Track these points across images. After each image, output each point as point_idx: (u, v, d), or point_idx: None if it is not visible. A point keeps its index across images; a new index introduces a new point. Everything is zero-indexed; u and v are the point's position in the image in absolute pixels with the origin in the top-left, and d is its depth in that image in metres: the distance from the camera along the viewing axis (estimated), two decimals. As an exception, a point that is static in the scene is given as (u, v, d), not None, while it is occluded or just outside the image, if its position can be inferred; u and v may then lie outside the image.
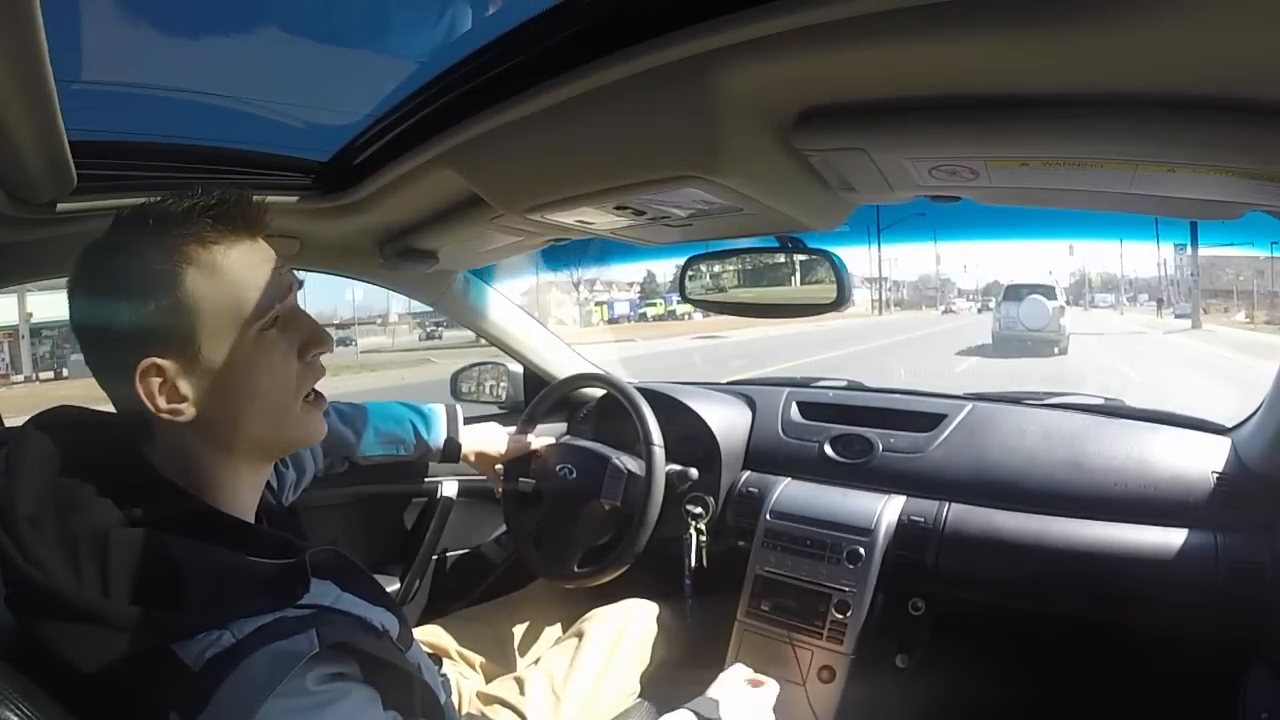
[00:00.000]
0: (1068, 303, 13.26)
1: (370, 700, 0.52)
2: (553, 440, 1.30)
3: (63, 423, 0.57)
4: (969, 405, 1.22)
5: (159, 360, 0.51)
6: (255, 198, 0.55)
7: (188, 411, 0.53)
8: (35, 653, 0.48)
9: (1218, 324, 17.47)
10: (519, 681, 1.04)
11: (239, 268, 0.54)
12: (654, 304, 30.00)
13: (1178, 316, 18.74)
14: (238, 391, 0.54)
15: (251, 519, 0.60)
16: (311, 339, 0.58)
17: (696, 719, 0.84)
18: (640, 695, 1.11)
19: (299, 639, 0.48)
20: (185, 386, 0.52)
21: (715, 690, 0.90)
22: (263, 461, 0.61)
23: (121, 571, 0.49)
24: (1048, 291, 11.53)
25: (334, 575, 0.58)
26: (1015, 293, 11.69)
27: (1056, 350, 10.81)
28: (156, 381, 0.52)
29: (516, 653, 1.21)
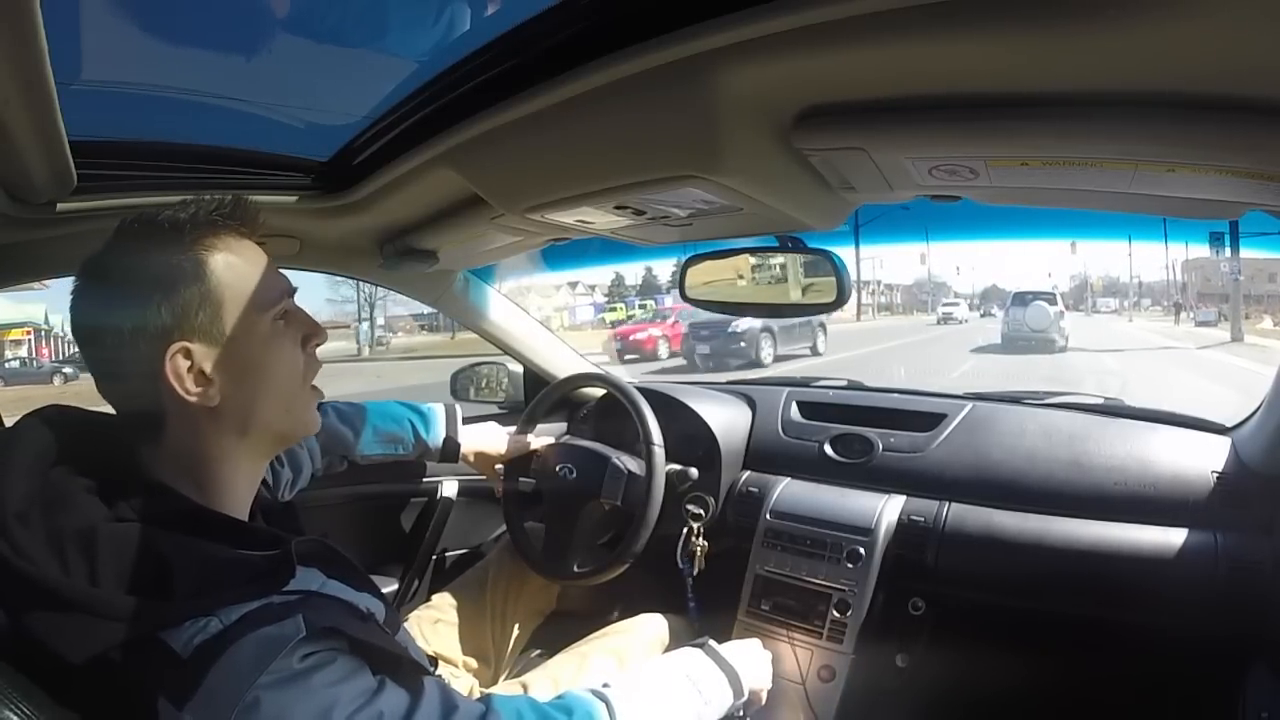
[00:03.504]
0: (1067, 307, 14.72)
1: (357, 667, 0.53)
2: (553, 440, 1.30)
3: (53, 422, 0.57)
4: (969, 405, 1.22)
5: (188, 344, 0.55)
6: (251, 201, 0.59)
7: (214, 396, 0.56)
8: (29, 648, 0.48)
9: (1250, 334, 14.00)
10: (524, 686, 1.04)
11: (252, 262, 0.59)
12: (614, 308, 28.70)
13: (1199, 324, 17.01)
14: (257, 375, 0.58)
15: (245, 516, 0.61)
16: (311, 332, 0.63)
17: (704, 654, 0.91)
18: None
19: (286, 624, 0.49)
20: (211, 371, 0.56)
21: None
22: (268, 450, 0.64)
23: (109, 564, 0.50)
24: (1050, 298, 13.05)
25: (319, 563, 0.59)
26: (1021, 299, 13.28)
27: (1057, 349, 11.82)
28: (185, 365, 0.55)
29: (510, 649, 1.21)
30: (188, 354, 0.55)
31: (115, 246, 0.57)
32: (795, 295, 1.01)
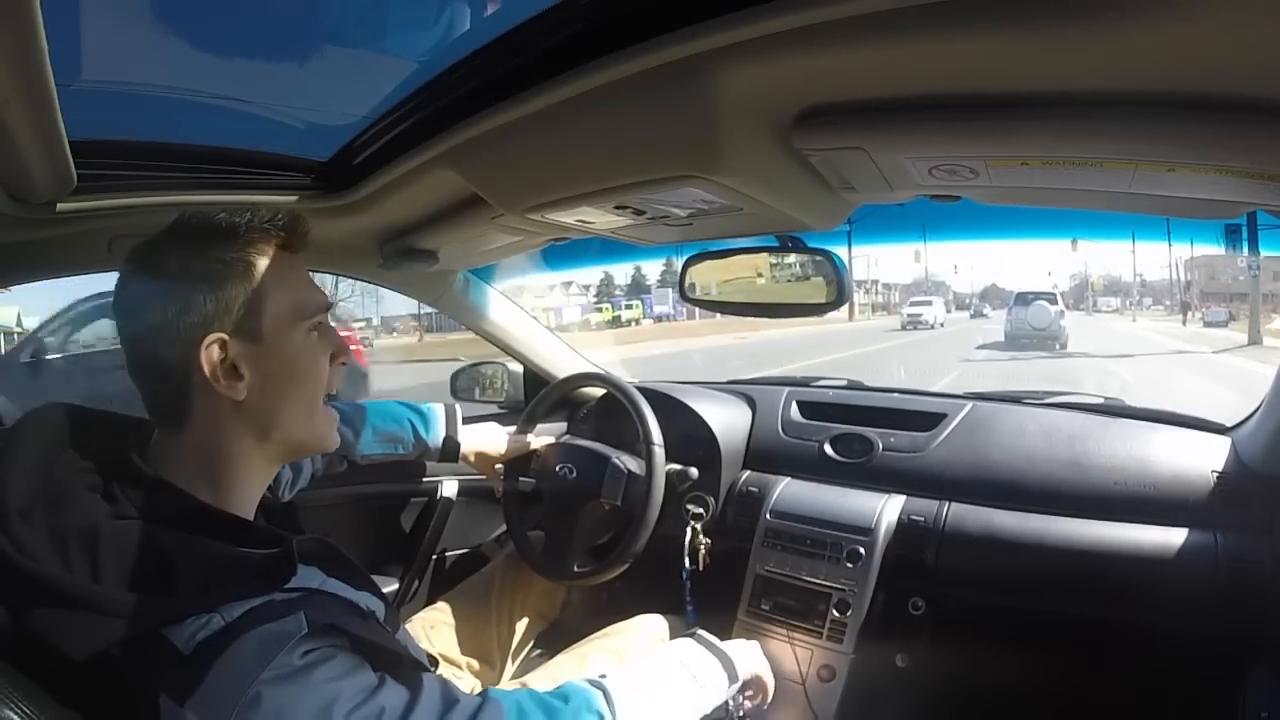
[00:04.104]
0: (1068, 307, 15.46)
1: (358, 664, 0.53)
2: (553, 440, 1.30)
3: (55, 419, 0.58)
4: (969, 404, 1.22)
5: (225, 336, 0.56)
6: (304, 219, 0.62)
7: (241, 390, 0.57)
8: (30, 645, 0.48)
9: (1266, 336, 12.91)
10: (524, 686, 1.04)
11: (296, 272, 0.61)
12: (601, 308, 28.56)
13: (1208, 325, 16.41)
14: (285, 378, 0.60)
15: (251, 516, 0.62)
16: (339, 349, 0.65)
17: (696, 641, 0.92)
18: None
19: (288, 621, 0.49)
20: (243, 367, 0.57)
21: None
22: (283, 457, 0.65)
23: (112, 561, 0.50)
24: (1050, 298, 13.83)
25: (320, 562, 0.59)
26: (1023, 299, 14.07)
27: (1058, 346, 12.48)
28: (219, 356, 0.56)
29: (513, 653, 1.21)
30: (224, 346, 0.56)
31: (170, 239, 0.58)
32: (795, 295, 1.00)
